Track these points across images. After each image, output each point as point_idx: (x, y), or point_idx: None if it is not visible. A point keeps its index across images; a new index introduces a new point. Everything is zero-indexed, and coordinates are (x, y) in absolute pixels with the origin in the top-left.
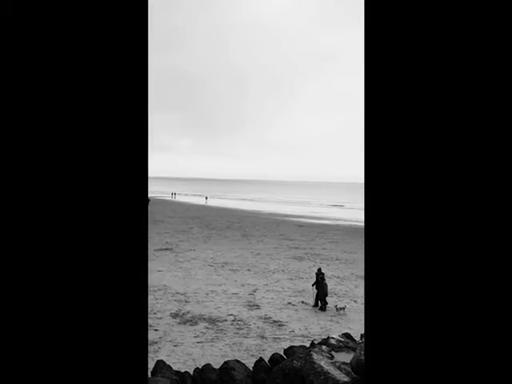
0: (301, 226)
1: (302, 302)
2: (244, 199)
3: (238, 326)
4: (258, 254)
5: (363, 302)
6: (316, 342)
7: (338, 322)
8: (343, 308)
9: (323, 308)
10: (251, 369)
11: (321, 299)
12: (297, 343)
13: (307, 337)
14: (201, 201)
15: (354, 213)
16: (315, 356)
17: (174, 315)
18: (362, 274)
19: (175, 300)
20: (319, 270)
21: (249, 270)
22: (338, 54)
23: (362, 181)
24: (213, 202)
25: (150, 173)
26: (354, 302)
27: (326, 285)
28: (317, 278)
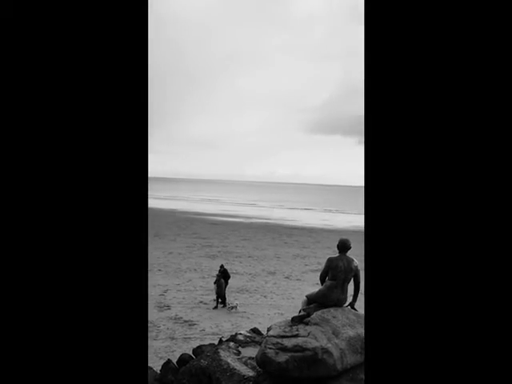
0: (214, 224)
1: (214, 300)
2: (156, 197)
3: None
4: (170, 253)
5: (272, 297)
6: (224, 339)
7: (248, 318)
8: (235, 307)
9: (216, 306)
10: (158, 372)
11: (217, 296)
12: (207, 341)
13: (218, 334)
14: None
15: (266, 211)
16: (222, 353)
17: None
18: (273, 269)
19: None
20: (221, 266)
21: (160, 269)
22: (263, 53)
23: (274, 180)
24: None
25: None
26: (264, 297)
27: (222, 283)
28: (216, 276)
